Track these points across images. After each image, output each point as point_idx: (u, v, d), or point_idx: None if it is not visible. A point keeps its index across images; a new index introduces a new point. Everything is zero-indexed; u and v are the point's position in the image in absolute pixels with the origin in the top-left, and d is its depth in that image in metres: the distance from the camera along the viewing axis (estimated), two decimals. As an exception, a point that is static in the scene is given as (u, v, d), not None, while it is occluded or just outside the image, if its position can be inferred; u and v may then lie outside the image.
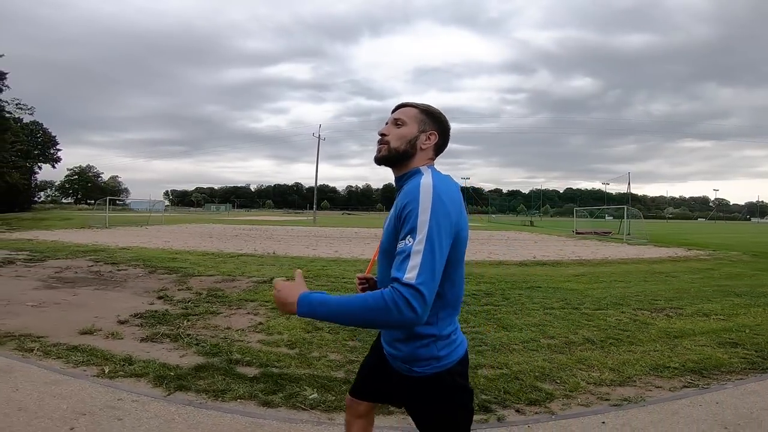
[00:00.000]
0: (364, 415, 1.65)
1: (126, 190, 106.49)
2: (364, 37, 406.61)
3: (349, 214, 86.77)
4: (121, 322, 4.35)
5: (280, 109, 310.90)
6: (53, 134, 51.10)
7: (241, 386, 2.89)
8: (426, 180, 1.23)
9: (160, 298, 5.61)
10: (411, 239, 1.14)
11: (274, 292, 1.21)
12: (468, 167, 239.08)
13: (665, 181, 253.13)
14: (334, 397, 2.79)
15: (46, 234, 17.03)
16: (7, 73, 31.50)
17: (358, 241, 17.39)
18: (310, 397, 2.77)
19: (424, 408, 1.35)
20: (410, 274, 1.10)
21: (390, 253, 1.25)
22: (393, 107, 1.44)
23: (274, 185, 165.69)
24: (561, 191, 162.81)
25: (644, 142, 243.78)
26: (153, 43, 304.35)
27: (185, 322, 4.44)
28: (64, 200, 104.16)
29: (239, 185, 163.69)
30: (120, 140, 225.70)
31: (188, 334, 3.99)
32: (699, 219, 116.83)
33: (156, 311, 4.81)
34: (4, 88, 31.84)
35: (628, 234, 23.33)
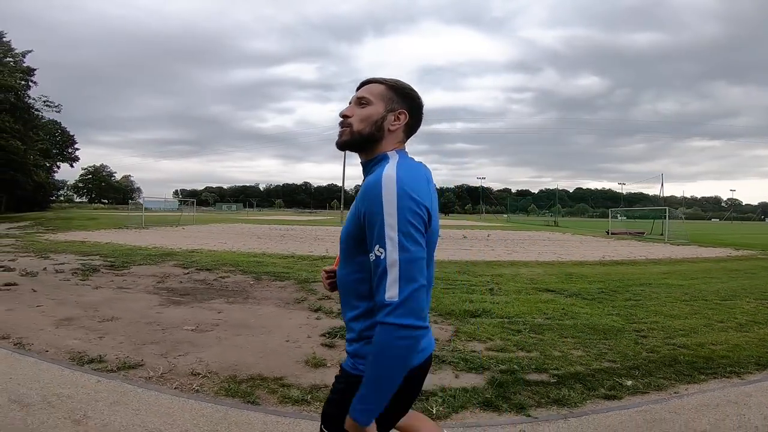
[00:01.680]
0: None
1: (138, 190, 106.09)
2: (368, 36, 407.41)
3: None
4: (329, 346, 3.67)
5: (286, 109, 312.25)
6: (71, 133, 50.55)
7: (567, 392, 2.91)
8: (389, 172, 1.07)
9: (315, 310, 4.97)
10: (381, 250, 1.02)
11: None
12: (474, 167, 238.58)
13: (674, 181, 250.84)
14: (643, 381, 3.13)
15: (89, 235, 16.40)
16: (35, 70, 30.98)
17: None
18: (628, 383, 3.03)
19: (340, 389, 1.21)
20: (391, 292, 1.01)
21: (349, 249, 1.16)
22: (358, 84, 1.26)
23: (283, 185, 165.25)
24: (571, 191, 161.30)
25: (653, 142, 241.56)
26: (159, 44, 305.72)
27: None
28: (77, 199, 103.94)
29: (247, 184, 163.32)
30: (129, 140, 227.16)
31: (437, 356, 3.46)
32: (713, 219, 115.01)
33: (343, 327, 4.07)
34: (31, 84, 31.31)
35: (661, 234, 23.85)
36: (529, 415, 2.60)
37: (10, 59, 30.09)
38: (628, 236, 24.78)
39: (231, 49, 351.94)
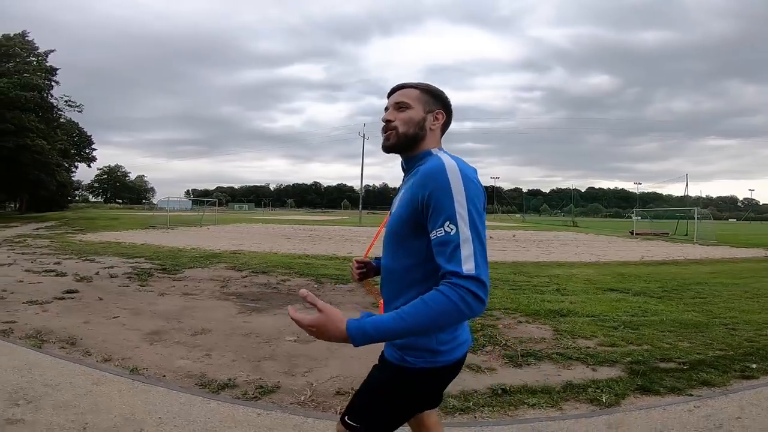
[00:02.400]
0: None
1: (152, 190, 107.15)
2: (375, 36, 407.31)
3: (374, 213, 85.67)
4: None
5: (295, 109, 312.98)
6: (89, 134, 50.73)
7: (706, 375, 3.06)
8: (450, 162, 1.12)
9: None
10: (452, 226, 1.04)
11: (307, 321, 1.03)
12: (484, 166, 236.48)
13: (689, 180, 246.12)
14: (764, 365, 3.31)
15: (119, 235, 16.36)
16: (57, 69, 31.11)
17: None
18: (754, 366, 3.23)
19: (384, 381, 1.27)
20: (468, 266, 1.02)
21: (400, 236, 1.18)
22: (389, 91, 1.31)
23: (293, 185, 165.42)
24: (582, 190, 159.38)
25: (666, 141, 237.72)
26: (166, 45, 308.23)
27: (501, 340, 3.98)
28: (92, 199, 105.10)
29: (258, 184, 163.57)
30: (140, 140, 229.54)
31: (560, 353, 3.61)
32: (730, 219, 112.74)
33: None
34: (54, 84, 31.43)
35: (686, 234, 24.12)
36: (691, 395, 2.74)
37: (34, 59, 30.30)
38: (653, 236, 24.52)
39: (238, 50, 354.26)
